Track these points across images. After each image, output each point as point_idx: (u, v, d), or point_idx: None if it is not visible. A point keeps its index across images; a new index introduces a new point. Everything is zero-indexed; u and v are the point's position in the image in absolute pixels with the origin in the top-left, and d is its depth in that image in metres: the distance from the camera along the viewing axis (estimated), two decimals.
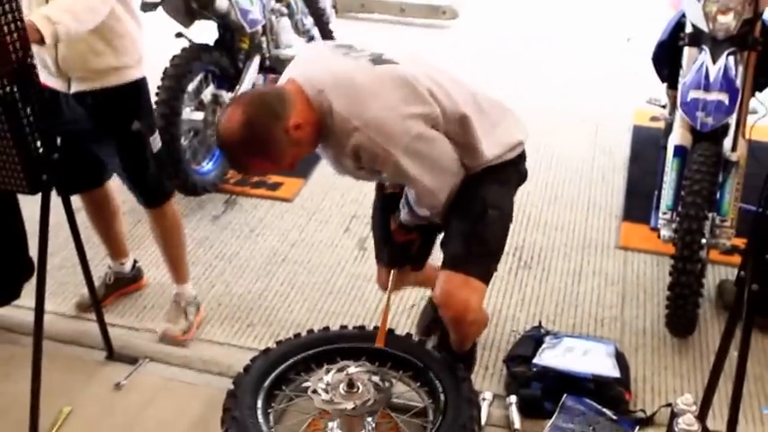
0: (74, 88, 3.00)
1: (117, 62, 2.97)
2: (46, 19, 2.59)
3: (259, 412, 2.69)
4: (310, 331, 3.07)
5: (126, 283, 3.70)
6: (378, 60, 2.52)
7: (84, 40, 2.86)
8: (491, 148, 2.64)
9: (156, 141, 3.20)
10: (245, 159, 2.44)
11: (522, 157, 2.81)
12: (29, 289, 3.27)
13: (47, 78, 3.02)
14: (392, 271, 2.98)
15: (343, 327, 3.11)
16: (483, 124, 2.62)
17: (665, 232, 3.32)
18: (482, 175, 2.67)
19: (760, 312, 2.36)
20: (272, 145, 2.39)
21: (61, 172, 2.88)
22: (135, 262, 3.75)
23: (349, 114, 2.39)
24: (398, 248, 2.96)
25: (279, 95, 2.41)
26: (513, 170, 2.78)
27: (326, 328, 3.09)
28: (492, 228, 2.69)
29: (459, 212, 2.68)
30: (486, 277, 2.68)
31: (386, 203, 3.00)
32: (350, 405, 2.57)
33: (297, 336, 3.04)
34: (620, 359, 3.11)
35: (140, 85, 3.09)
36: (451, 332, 2.84)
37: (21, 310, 3.41)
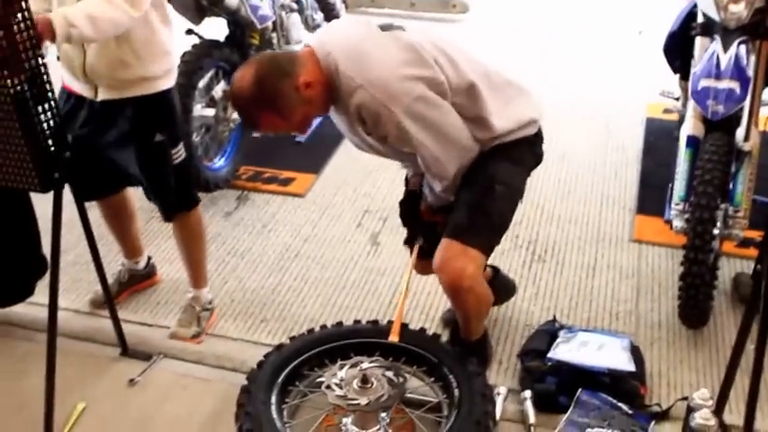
0: (101, 96, 2.99)
1: (145, 72, 2.96)
2: (63, 19, 2.60)
3: (273, 408, 2.70)
4: (323, 326, 3.07)
5: (140, 279, 3.71)
6: (386, 28, 2.64)
7: (113, 50, 2.86)
8: (502, 121, 2.68)
9: (179, 153, 3.17)
10: (255, 114, 2.54)
11: (538, 138, 2.84)
12: (42, 286, 3.28)
13: (74, 83, 3.04)
14: (411, 256, 2.98)
15: (357, 321, 3.11)
16: (494, 98, 2.66)
17: (678, 223, 3.30)
18: (494, 152, 2.72)
19: None
20: (281, 100, 2.49)
21: (81, 178, 2.92)
22: (149, 259, 3.75)
23: (353, 73, 2.49)
24: (425, 227, 2.99)
25: (289, 56, 2.56)
26: (526, 149, 2.81)
27: (340, 323, 3.09)
28: (498, 203, 2.73)
29: (467, 185, 2.73)
30: (485, 249, 2.73)
31: (409, 198, 3.05)
32: (364, 401, 2.57)
33: (310, 331, 3.04)
34: (636, 353, 3.10)
35: (167, 95, 3.07)
36: (453, 306, 2.91)
37: (35, 307, 3.42)
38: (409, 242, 3.08)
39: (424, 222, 2.99)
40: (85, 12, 2.65)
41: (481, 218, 2.70)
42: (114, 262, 3.80)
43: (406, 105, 2.49)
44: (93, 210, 4.13)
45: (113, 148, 3.11)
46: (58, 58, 3.05)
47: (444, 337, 3.09)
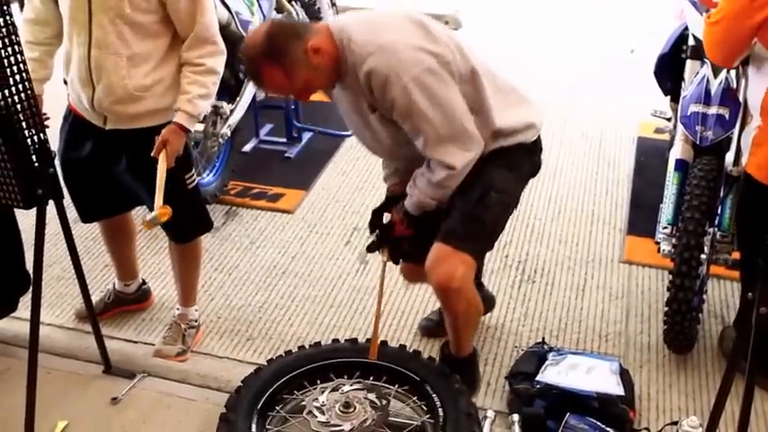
0: (109, 126, 2.99)
1: (157, 105, 2.95)
2: (189, 117, 2.89)
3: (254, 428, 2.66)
4: (301, 347, 3.04)
5: (126, 302, 3.63)
6: (402, 11, 2.70)
7: (123, 86, 2.86)
8: (503, 119, 2.70)
9: (192, 178, 3.17)
10: (260, 65, 2.55)
11: (536, 146, 2.86)
12: (25, 301, 3.24)
13: (83, 111, 3.02)
14: (382, 271, 2.94)
15: (335, 341, 3.07)
16: (496, 96, 2.70)
17: (665, 247, 3.28)
18: (492, 157, 2.72)
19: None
20: (287, 57, 2.52)
21: (87, 199, 3.10)
22: (142, 283, 3.67)
23: (365, 42, 2.53)
24: (393, 242, 2.95)
25: (304, 23, 2.64)
26: (525, 157, 2.83)
27: (318, 344, 3.06)
28: (492, 210, 2.75)
29: (462, 190, 2.72)
30: (476, 254, 2.80)
31: (385, 205, 3.01)
32: (347, 426, 2.54)
33: (288, 353, 3.00)
34: (625, 376, 3.07)
35: None
36: (444, 309, 2.93)
37: (17, 321, 3.38)
38: (372, 249, 3.02)
39: (393, 238, 2.93)
40: (198, 93, 2.91)
41: (475, 225, 2.73)
42: (101, 275, 3.78)
43: (415, 74, 2.51)
44: (78, 225, 4.11)
45: (124, 174, 3.09)
46: (65, 82, 3.04)
47: (426, 354, 3.06)
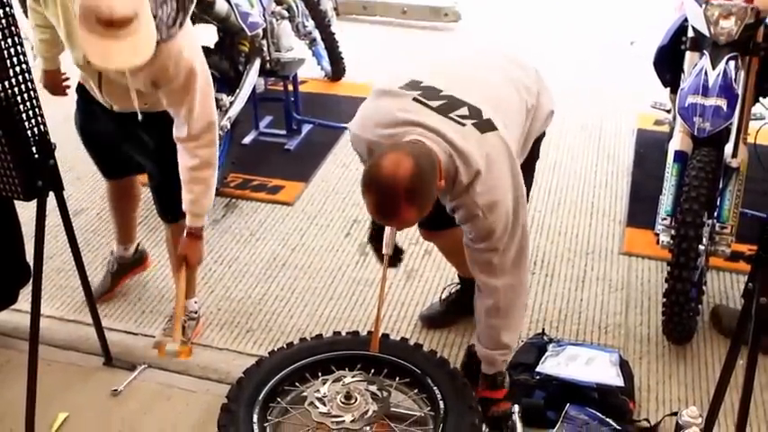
0: (117, 109, 3.03)
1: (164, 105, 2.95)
2: (195, 217, 2.96)
3: (255, 427, 2.67)
4: (303, 339, 3.04)
5: (130, 267, 3.70)
6: (482, 128, 2.54)
7: (131, 101, 2.85)
8: (538, 123, 2.85)
9: None
10: (401, 205, 2.35)
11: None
12: (26, 293, 3.24)
13: (92, 92, 3.08)
14: (384, 266, 2.88)
15: (337, 333, 3.08)
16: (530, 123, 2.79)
17: (664, 238, 3.28)
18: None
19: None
20: (428, 201, 2.42)
21: (104, 162, 3.27)
22: (137, 245, 3.74)
23: (468, 181, 2.48)
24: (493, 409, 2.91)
25: (432, 155, 2.43)
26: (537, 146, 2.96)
27: (319, 336, 3.06)
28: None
29: None
30: None
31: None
32: (348, 417, 2.54)
33: (290, 345, 3.01)
34: (624, 367, 3.08)
35: None
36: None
37: (17, 314, 3.39)
38: (372, 240, 3.08)
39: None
40: (200, 191, 2.93)
41: None
42: (101, 267, 3.78)
43: (505, 224, 2.56)
44: (79, 217, 4.13)
45: (133, 149, 3.15)
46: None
47: (427, 347, 3.06)
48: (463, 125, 2.52)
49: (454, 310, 3.46)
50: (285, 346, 3.01)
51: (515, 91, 2.75)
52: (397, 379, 2.86)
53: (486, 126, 2.54)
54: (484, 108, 2.58)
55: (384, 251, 2.85)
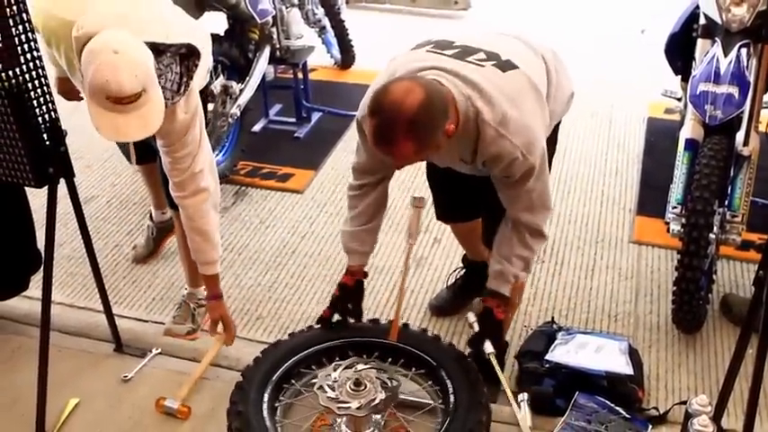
0: None
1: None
2: (210, 273, 3.06)
3: (265, 405, 2.68)
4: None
5: (168, 229, 3.76)
6: (503, 66, 2.51)
7: None
8: (557, 105, 2.76)
9: None
10: (399, 134, 2.26)
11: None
12: (37, 280, 3.26)
13: None
14: (407, 255, 2.89)
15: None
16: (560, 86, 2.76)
17: (674, 227, 3.27)
18: None
19: None
20: (432, 138, 2.31)
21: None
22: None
23: (496, 122, 2.38)
24: (496, 326, 2.84)
25: (446, 96, 2.34)
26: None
27: (341, 321, 3.06)
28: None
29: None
30: None
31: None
32: (355, 404, 2.55)
33: (309, 328, 3.01)
34: (634, 356, 3.07)
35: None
36: None
37: (28, 300, 3.40)
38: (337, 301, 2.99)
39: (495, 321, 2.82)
40: (207, 244, 3.01)
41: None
42: (110, 256, 3.80)
43: (539, 160, 2.47)
44: (89, 205, 4.14)
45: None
46: None
47: (445, 338, 3.07)
48: (483, 66, 2.47)
49: (462, 295, 3.47)
50: (305, 329, 3.01)
51: (533, 54, 2.69)
52: (413, 369, 2.86)
53: (506, 66, 2.50)
54: (501, 52, 2.55)
55: (409, 240, 2.86)
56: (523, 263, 2.72)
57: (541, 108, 2.55)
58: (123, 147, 3.45)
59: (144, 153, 3.45)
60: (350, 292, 2.95)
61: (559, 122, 2.93)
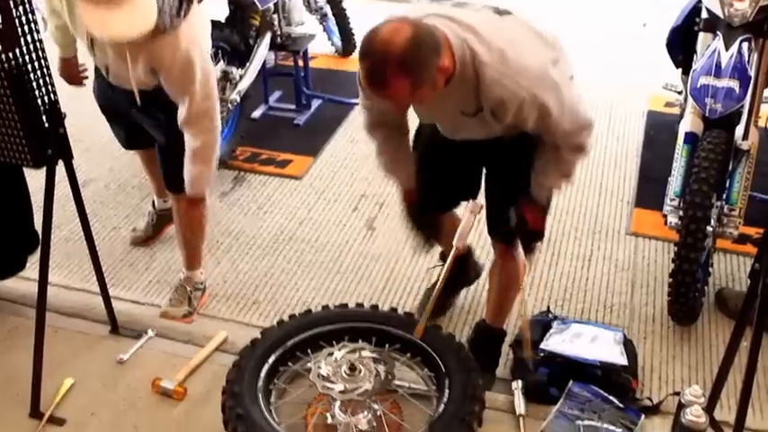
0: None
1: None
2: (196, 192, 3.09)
3: (260, 386, 2.70)
4: (325, 307, 3.04)
5: (169, 218, 3.72)
6: (499, 11, 2.50)
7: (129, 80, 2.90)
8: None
9: None
10: (392, 72, 2.20)
11: None
12: (34, 261, 3.25)
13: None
14: (449, 261, 2.80)
15: (359, 305, 3.06)
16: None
17: (672, 219, 3.28)
18: None
19: None
20: (425, 74, 2.24)
21: (122, 134, 3.33)
22: None
23: (495, 63, 2.31)
24: (535, 236, 2.83)
25: (437, 32, 2.27)
26: None
27: (343, 305, 3.06)
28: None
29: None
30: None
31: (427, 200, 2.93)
32: (339, 387, 2.56)
33: (308, 312, 3.01)
34: (628, 346, 3.08)
35: None
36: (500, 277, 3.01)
37: (25, 281, 3.40)
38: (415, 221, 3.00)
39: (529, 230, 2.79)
40: (197, 172, 3.05)
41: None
42: (107, 239, 3.81)
43: (550, 94, 2.37)
44: (87, 187, 4.15)
45: (144, 121, 3.16)
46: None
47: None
48: (478, 11, 2.46)
49: (446, 294, 3.32)
50: (304, 312, 3.01)
51: (532, 24, 2.65)
52: (408, 355, 2.87)
53: (503, 11, 2.50)
54: (499, 6, 2.53)
55: (456, 242, 2.75)
56: (561, 174, 2.69)
57: (546, 47, 2.49)
58: (117, 132, 3.42)
59: (135, 138, 3.43)
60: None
61: None
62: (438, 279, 2.89)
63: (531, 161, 2.63)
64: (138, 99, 2.94)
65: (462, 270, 3.15)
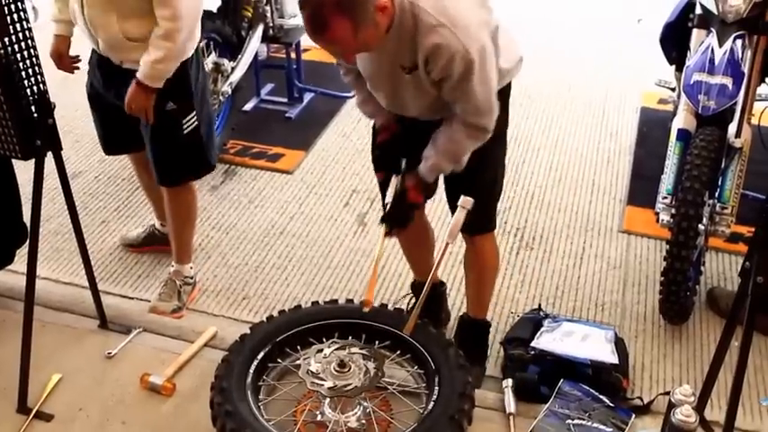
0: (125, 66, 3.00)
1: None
2: (144, 76, 2.88)
3: (249, 383, 2.68)
4: (315, 303, 3.03)
5: (160, 241, 3.69)
6: None
7: (118, 39, 2.88)
8: (504, 57, 2.62)
9: (190, 122, 3.11)
10: (329, 15, 2.22)
11: (509, 89, 2.79)
12: (22, 254, 3.23)
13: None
14: (439, 255, 2.79)
15: (349, 301, 3.05)
16: (503, 37, 2.62)
17: (664, 217, 3.27)
18: None
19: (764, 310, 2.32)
20: (361, 11, 2.24)
21: (103, 131, 3.18)
22: None
23: (434, 11, 2.33)
24: (408, 208, 2.77)
25: None
26: (508, 99, 2.78)
27: (333, 301, 3.05)
28: (497, 181, 2.90)
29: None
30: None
31: (388, 152, 2.86)
32: (328, 384, 2.55)
33: (297, 308, 2.99)
34: (619, 345, 3.07)
35: (185, 64, 3.00)
36: (473, 265, 3.02)
37: (13, 275, 3.37)
38: (388, 222, 2.86)
39: (409, 204, 2.75)
40: (154, 58, 2.85)
41: (490, 201, 2.88)
42: (96, 232, 3.78)
43: (480, 54, 2.37)
44: (76, 180, 4.12)
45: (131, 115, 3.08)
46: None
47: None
48: None
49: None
50: (293, 308, 3.00)
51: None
52: (398, 352, 2.85)
53: None
54: None
55: (448, 239, 2.72)
56: (452, 156, 2.65)
57: (485, 11, 2.50)
58: (100, 129, 3.34)
59: (114, 142, 3.37)
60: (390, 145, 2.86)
61: (510, 84, 2.77)
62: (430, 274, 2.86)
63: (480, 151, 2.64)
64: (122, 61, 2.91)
65: (434, 302, 3.14)
